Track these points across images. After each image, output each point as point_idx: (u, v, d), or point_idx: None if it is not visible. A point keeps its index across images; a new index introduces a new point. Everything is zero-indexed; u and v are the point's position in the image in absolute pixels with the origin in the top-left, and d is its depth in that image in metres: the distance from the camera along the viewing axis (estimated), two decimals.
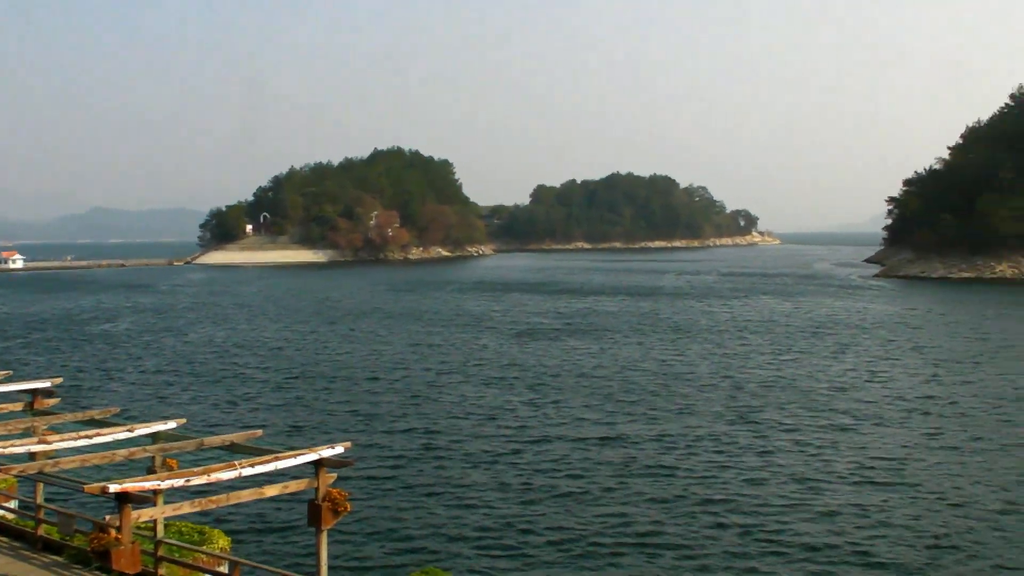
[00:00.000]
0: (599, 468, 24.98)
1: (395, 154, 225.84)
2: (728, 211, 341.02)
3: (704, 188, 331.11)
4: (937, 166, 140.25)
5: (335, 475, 12.79)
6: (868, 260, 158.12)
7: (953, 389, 36.38)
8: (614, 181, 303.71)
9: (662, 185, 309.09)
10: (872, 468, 24.66)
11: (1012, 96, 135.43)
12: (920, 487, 23.00)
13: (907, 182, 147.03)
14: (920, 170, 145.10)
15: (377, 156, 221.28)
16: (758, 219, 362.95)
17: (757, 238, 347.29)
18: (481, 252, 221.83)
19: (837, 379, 38.83)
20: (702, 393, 35.50)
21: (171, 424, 14.45)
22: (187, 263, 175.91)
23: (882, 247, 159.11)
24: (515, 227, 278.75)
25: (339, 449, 12.73)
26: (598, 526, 20.32)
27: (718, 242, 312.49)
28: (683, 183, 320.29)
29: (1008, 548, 18.98)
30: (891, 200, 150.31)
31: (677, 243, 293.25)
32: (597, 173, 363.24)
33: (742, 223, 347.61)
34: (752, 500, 22.07)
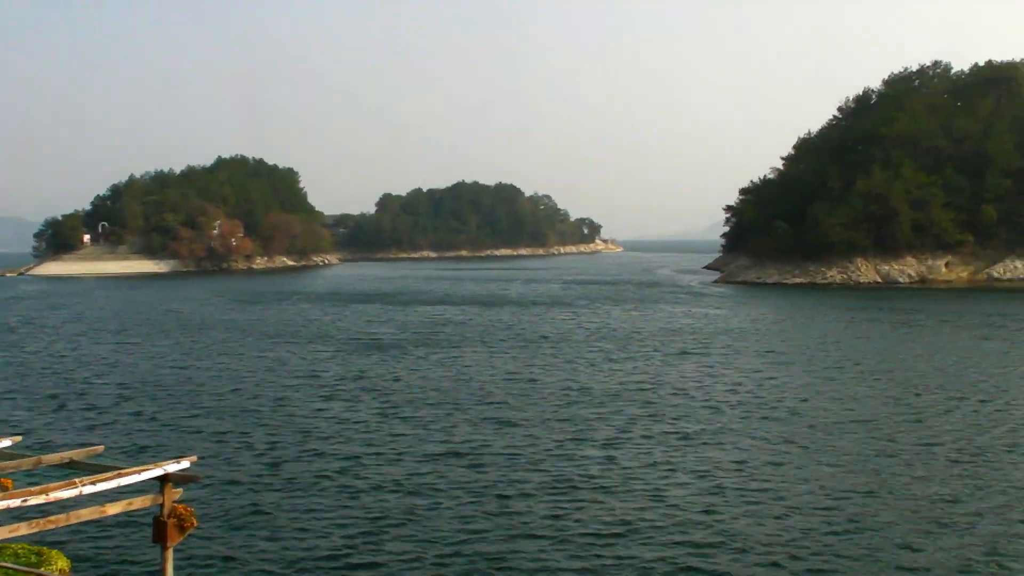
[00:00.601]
0: (448, 480, 24.90)
1: (239, 162, 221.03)
2: (572, 219, 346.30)
3: (548, 197, 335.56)
4: (771, 176, 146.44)
5: (180, 490, 12.43)
6: (707, 267, 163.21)
7: (795, 392, 37.86)
8: (460, 190, 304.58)
9: (507, 193, 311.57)
10: (718, 473, 25.28)
11: (839, 109, 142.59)
12: (765, 491, 23.73)
13: (743, 191, 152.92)
14: (755, 179, 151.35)
15: (220, 164, 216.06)
16: (601, 227, 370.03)
17: (600, 246, 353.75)
18: (327, 261, 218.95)
19: (682, 385, 39.69)
20: (550, 403, 35.75)
21: (6, 442, 13.69)
22: (20, 274, 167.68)
23: (720, 254, 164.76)
24: (361, 236, 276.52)
25: (184, 464, 12.40)
26: (448, 540, 20.30)
27: (563, 250, 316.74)
28: (528, 192, 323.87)
29: (852, 550, 19.95)
30: (728, 208, 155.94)
31: (523, 251, 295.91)
32: (443, 182, 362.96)
33: (586, 231, 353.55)
34: (601, 508, 22.37)
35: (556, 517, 21.79)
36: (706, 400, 35.86)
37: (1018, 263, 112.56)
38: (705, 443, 28.70)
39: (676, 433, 30.07)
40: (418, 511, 22.32)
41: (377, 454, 27.80)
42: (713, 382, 40.27)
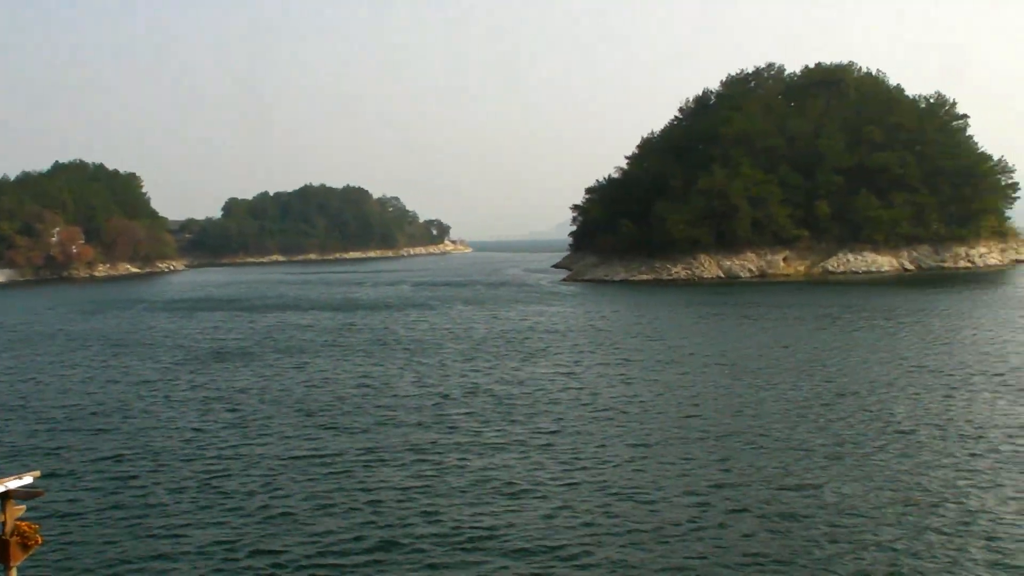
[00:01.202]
0: (305, 486, 24.38)
1: (78, 167, 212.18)
2: (421, 221, 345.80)
3: (397, 198, 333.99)
4: (616, 175, 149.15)
5: (23, 507, 11.73)
6: (556, 266, 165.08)
7: (648, 387, 38.37)
8: (307, 193, 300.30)
9: (355, 196, 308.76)
10: (575, 472, 25.33)
11: (680, 109, 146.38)
12: (624, 487, 23.95)
13: (589, 190, 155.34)
14: (601, 179, 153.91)
15: (58, 169, 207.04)
16: (450, 228, 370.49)
17: (450, 247, 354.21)
18: (172, 268, 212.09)
19: (535, 384, 39.75)
20: (405, 406, 35.38)
21: None
22: None
23: (568, 253, 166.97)
24: (207, 241, 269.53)
25: (27, 479, 11.68)
26: (307, 547, 19.88)
27: (412, 251, 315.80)
28: (376, 194, 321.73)
29: (699, 543, 20.15)
30: (575, 208, 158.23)
31: (372, 253, 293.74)
32: (290, 185, 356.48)
33: (435, 232, 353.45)
34: (461, 510, 22.23)
35: (412, 521, 21.43)
36: (559, 399, 36.01)
37: (850, 257, 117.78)
38: (560, 441, 28.77)
39: (530, 432, 30.05)
40: (278, 515, 21.86)
41: (234, 460, 26.96)
42: (566, 380, 40.45)
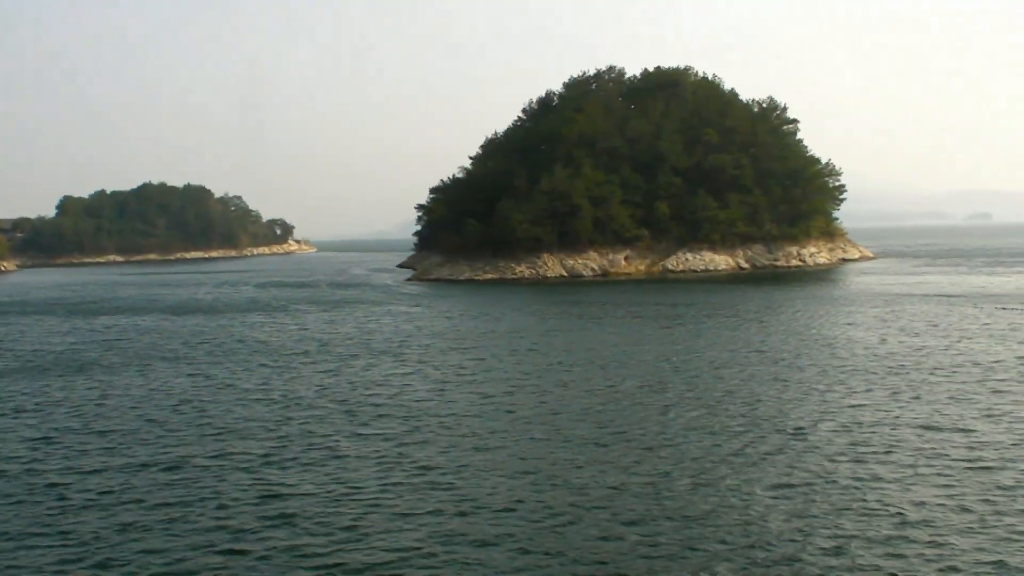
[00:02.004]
0: (155, 494, 23.48)
1: None
2: (264, 220, 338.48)
3: (239, 198, 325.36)
4: (460, 175, 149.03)
5: None
6: (401, 265, 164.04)
7: (497, 387, 38.13)
8: (146, 191, 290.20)
9: (196, 195, 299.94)
10: (429, 473, 24.96)
11: (524, 110, 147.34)
12: (478, 488, 23.69)
13: (433, 190, 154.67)
14: (445, 179, 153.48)
15: None
16: (294, 227, 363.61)
17: (294, 246, 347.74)
18: (3, 268, 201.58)
19: (384, 386, 39.08)
20: (249, 410, 34.32)
21: None
22: None
23: (413, 252, 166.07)
24: (40, 241, 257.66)
25: None
26: (153, 556, 19.04)
27: (255, 251, 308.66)
28: (218, 193, 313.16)
29: (544, 543, 19.94)
30: (420, 207, 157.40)
31: (214, 253, 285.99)
32: (128, 183, 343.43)
33: (279, 232, 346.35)
34: (314, 518, 21.62)
35: (269, 530, 20.75)
36: (409, 400, 35.42)
37: (688, 255, 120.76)
38: (414, 443, 28.30)
39: (381, 435, 29.45)
40: (125, 525, 21.01)
41: (78, 471, 25.54)
42: (415, 381, 39.88)
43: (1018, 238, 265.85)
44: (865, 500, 21.88)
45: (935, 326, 54.37)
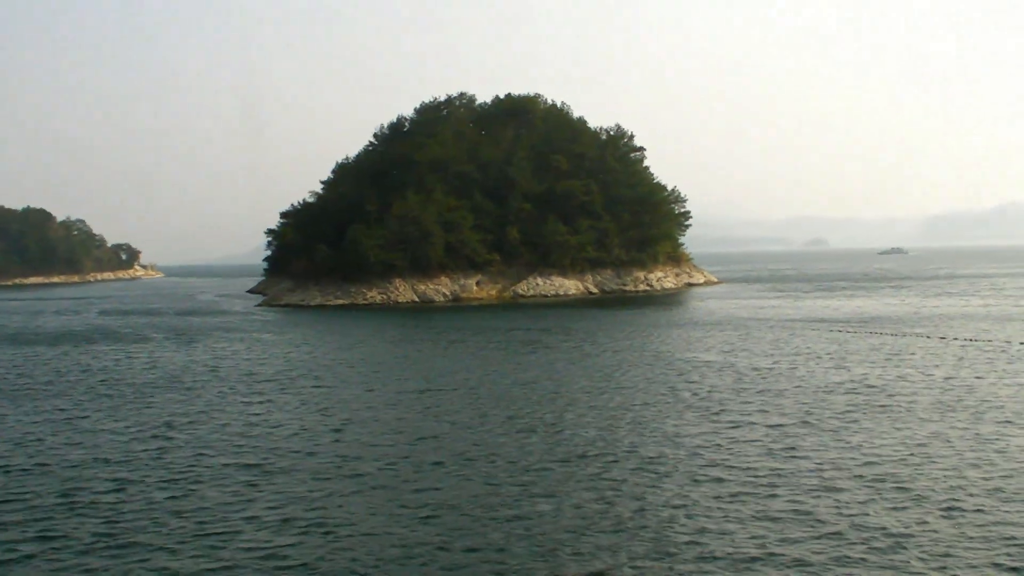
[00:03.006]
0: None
1: None
2: (109, 245, 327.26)
3: (83, 221, 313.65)
4: (311, 199, 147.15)
5: None
6: (251, 291, 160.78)
7: (353, 415, 37.62)
8: None
9: (37, 218, 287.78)
10: (290, 507, 24.41)
11: (375, 135, 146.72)
12: (342, 520, 23.38)
13: (284, 215, 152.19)
14: (296, 203, 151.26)
15: None
16: (140, 252, 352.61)
17: (140, 272, 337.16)
18: None
19: (237, 417, 38.01)
20: (94, 444, 33.06)
21: None
22: None
23: (263, 278, 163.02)
24: None
25: None
26: None
27: (99, 276, 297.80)
28: (60, 216, 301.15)
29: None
30: (270, 232, 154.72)
31: (56, 278, 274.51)
32: None
33: (124, 257, 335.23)
34: (170, 556, 20.79)
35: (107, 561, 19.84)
36: (264, 431, 34.60)
37: (539, 280, 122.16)
38: (272, 473, 27.78)
39: (237, 465, 28.90)
40: None
41: None
42: (269, 410, 38.97)
43: (851, 263, 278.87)
44: (689, 518, 22.48)
45: (778, 348, 56.40)
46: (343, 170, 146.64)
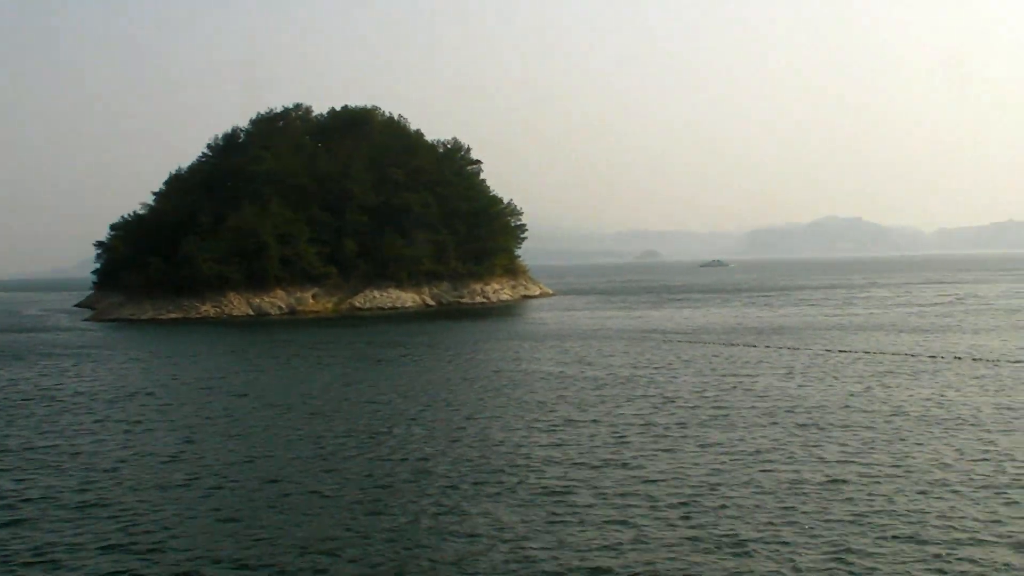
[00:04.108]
0: None
1: None
2: None
3: None
4: (142, 211, 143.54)
5: None
6: (79, 304, 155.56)
7: (187, 434, 37.17)
8: None
9: None
10: (116, 538, 23.95)
11: (209, 146, 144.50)
12: (169, 542, 23.62)
13: (113, 227, 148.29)
14: (127, 215, 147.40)
15: None
16: None
17: None
18: None
19: (63, 442, 37.12)
20: None
21: None
22: None
23: (92, 292, 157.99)
24: None
25: None
26: None
27: None
28: None
29: None
30: (99, 244, 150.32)
31: None
32: None
33: None
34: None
35: None
36: (93, 451, 33.89)
37: (375, 293, 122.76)
38: (103, 502, 26.99)
39: (63, 488, 28.33)
40: None
41: None
42: (99, 435, 37.58)
43: (682, 275, 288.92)
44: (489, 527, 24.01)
45: (610, 357, 58.54)
46: (176, 182, 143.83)
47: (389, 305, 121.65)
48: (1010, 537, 21.37)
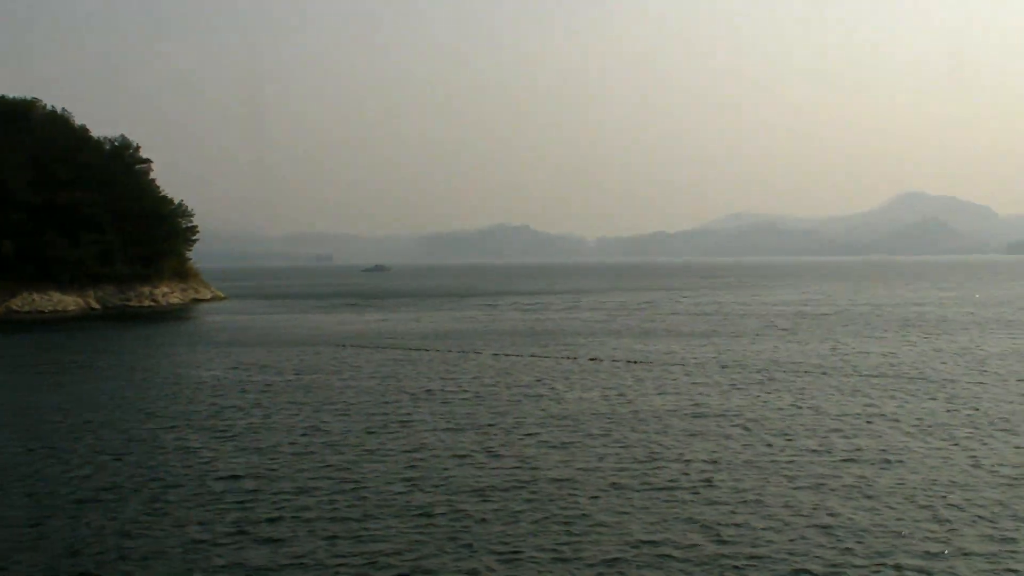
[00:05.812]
0: None
1: None
2: None
3: None
4: None
5: None
6: None
7: None
8: None
9: None
10: None
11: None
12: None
13: None
14: None
15: None
16: None
17: None
18: None
19: None
20: None
21: None
22: None
23: None
24: None
25: None
26: None
27: None
28: None
29: None
30: None
31: None
32: None
33: None
34: None
35: None
36: None
37: (35, 296, 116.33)
38: None
39: None
40: None
41: None
42: None
43: (343, 279, 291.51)
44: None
45: (290, 364, 59.55)
46: None
47: (50, 308, 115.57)
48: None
